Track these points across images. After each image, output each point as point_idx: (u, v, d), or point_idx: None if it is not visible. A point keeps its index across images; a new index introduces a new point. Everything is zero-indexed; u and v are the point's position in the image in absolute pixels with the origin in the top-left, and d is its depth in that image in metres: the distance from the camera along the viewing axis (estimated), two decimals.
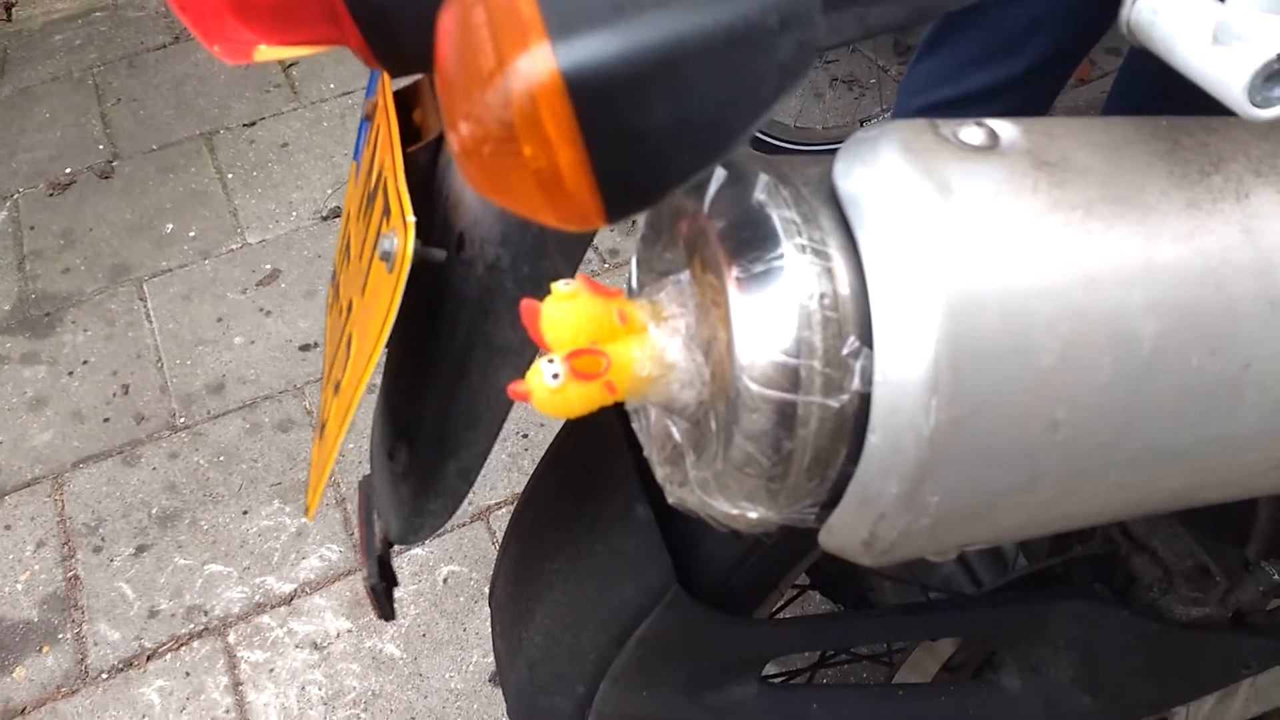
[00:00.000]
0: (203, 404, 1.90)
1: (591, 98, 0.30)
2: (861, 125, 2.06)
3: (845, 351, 0.39)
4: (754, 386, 0.39)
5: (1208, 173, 0.43)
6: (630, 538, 0.76)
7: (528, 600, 0.84)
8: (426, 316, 0.60)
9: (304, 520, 1.75)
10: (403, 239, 0.52)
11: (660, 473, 0.49)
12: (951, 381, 0.38)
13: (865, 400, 0.39)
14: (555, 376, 0.42)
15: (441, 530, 1.69)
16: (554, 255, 0.55)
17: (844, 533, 0.43)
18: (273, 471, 1.81)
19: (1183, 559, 0.84)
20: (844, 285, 0.39)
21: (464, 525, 1.73)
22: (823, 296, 0.39)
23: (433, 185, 0.58)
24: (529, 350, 0.59)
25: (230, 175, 2.33)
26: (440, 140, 0.60)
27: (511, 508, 1.72)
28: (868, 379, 0.39)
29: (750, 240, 0.40)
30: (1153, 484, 0.44)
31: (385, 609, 0.78)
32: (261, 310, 2.06)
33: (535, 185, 0.32)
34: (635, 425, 0.51)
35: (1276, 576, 0.84)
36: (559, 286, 0.44)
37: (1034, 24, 1.23)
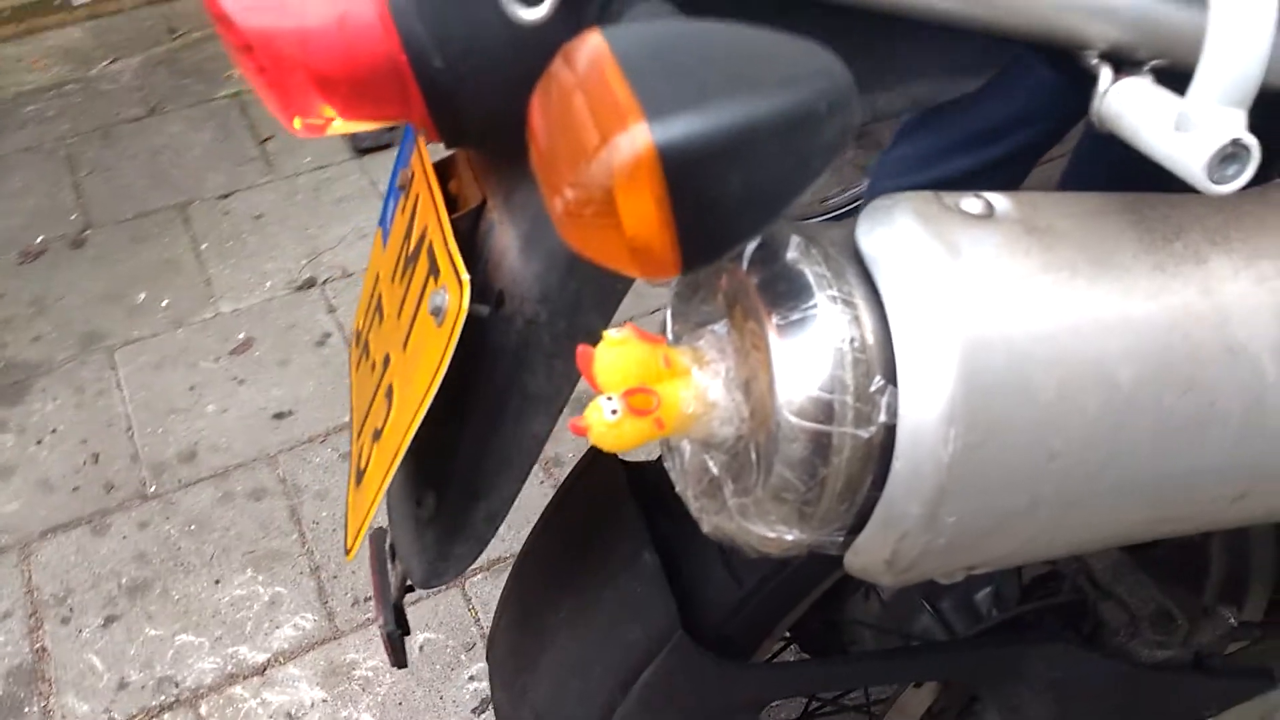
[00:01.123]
0: (174, 472, 1.90)
1: (681, 169, 0.36)
2: (822, 204, 2.16)
3: (873, 389, 0.45)
4: (794, 419, 0.45)
5: (1170, 239, 0.50)
6: (637, 583, 0.80)
7: (532, 649, 0.88)
8: (463, 369, 0.65)
9: (278, 589, 1.75)
10: (456, 295, 0.57)
11: (695, 505, 0.53)
12: (966, 415, 0.44)
13: (890, 432, 0.45)
14: (614, 412, 0.47)
15: (416, 598, 1.70)
16: (589, 311, 0.60)
17: (869, 553, 0.48)
18: (245, 540, 1.81)
19: (1146, 604, 0.90)
20: (870, 332, 0.45)
21: (439, 592, 1.74)
22: (852, 340, 0.45)
23: (474, 249, 0.63)
24: (560, 398, 0.64)
25: (204, 245, 2.36)
26: (481, 208, 0.65)
27: (487, 574, 1.74)
28: (893, 413, 0.45)
29: (787, 292, 0.46)
30: (1135, 512, 0.51)
31: (399, 656, 0.81)
32: (234, 379, 2.08)
33: (626, 242, 0.37)
34: (668, 464, 0.56)
35: (1232, 620, 0.91)
36: (610, 334, 0.49)
37: (1020, 117, 1.34)
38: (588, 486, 0.86)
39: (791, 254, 0.47)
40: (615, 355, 0.49)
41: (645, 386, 0.48)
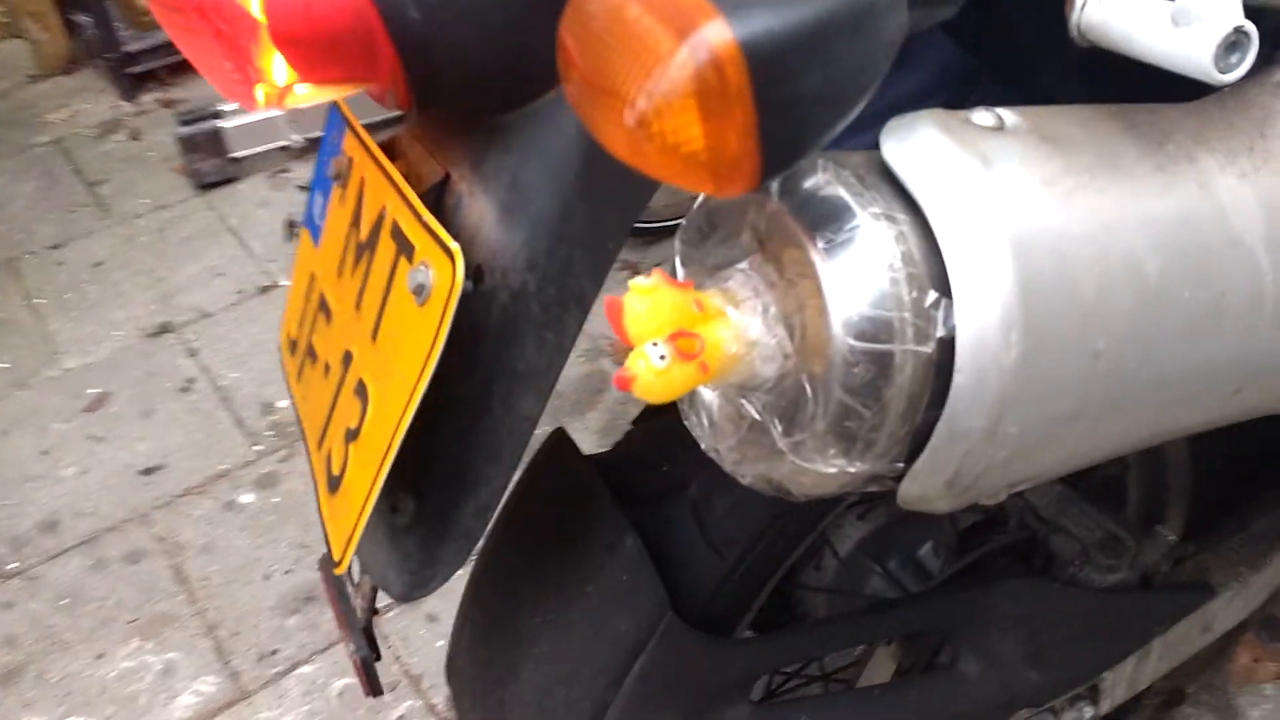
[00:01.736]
0: (36, 545, 1.73)
1: (764, 64, 0.34)
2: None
3: (928, 304, 0.44)
4: (854, 343, 0.43)
5: (1162, 142, 0.52)
6: (622, 571, 0.77)
7: (508, 660, 0.83)
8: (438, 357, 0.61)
9: (170, 655, 1.61)
10: (447, 267, 0.53)
11: (731, 458, 0.51)
12: (1023, 319, 0.44)
13: (948, 346, 0.44)
14: (662, 358, 0.44)
15: (327, 644, 1.60)
16: (581, 275, 0.57)
17: (929, 476, 0.47)
18: (126, 608, 1.66)
19: (1093, 531, 0.93)
20: (915, 247, 0.45)
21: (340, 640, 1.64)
22: (902, 256, 0.44)
23: (442, 225, 0.59)
24: (552, 373, 0.60)
25: (40, 300, 2.17)
26: (443, 184, 0.61)
27: (397, 611, 1.65)
28: (950, 326, 0.44)
29: (827, 216, 0.45)
30: (1161, 410, 0.52)
31: (374, 683, 0.75)
32: (91, 437, 1.91)
33: (703, 153, 0.35)
34: (689, 422, 0.54)
35: (1172, 538, 0.96)
36: (639, 281, 0.47)
37: (923, 92, 1.37)
38: (550, 481, 0.83)
39: (824, 177, 0.46)
40: (646, 303, 0.46)
41: (687, 330, 0.45)
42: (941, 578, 0.96)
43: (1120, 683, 1.02)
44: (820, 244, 0.44)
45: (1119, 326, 0.47)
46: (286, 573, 1.69)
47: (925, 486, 0.48)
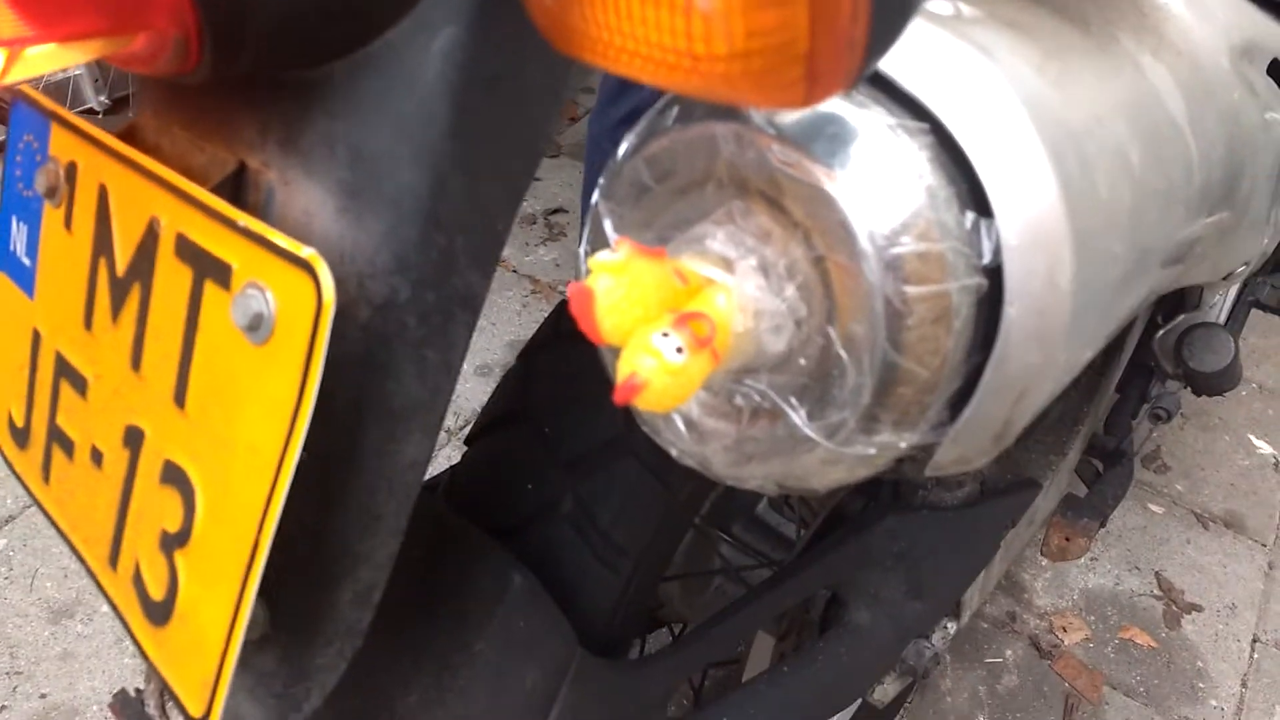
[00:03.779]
0: None
1: None
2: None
3: (969, 227, 0.36)
4: (906, 288, 0.34)
5: (1088, 24, 0.48)
6: (517, 615, 0.64)
7: None
8: None
9: None
10: (303, 282, 0.38)
11: (724, 461, 0.41)
12: (1071, 229, 0.37)
13: (995, 275, 0.37)
14: (679, 350, 0.33)
15: None
16: (466, 269, 0.44)
17: (975, 432, 0.40)
18: None
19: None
20: (939, 160, 0.36)
21: None
22: (934, 172, 0.36)
23: None
24: (440, 401, 0.47)
25: None
26: (238, 176, 0.45)
27: None
28: (996, 251, 0.36)
29: (832, 137, 0.35)
30: (1135, 301, 0.48)
31: None
32: None
33: (807, 42, 0.24)
34: (650, 430, 0.43)
35: None
36: (603, 257, 0.35)
37: None
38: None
39: None
40: (621, 284, 0.34)
41: (693, 310, 0.34)
42: (809, 535, 0.91)
43: (975, 592, 1.03)
44: (836, 171, 0.35)
45: (1124, 223, 0.42)
46: (2, 709, 1.35)
47: (968, 445, 0.40)
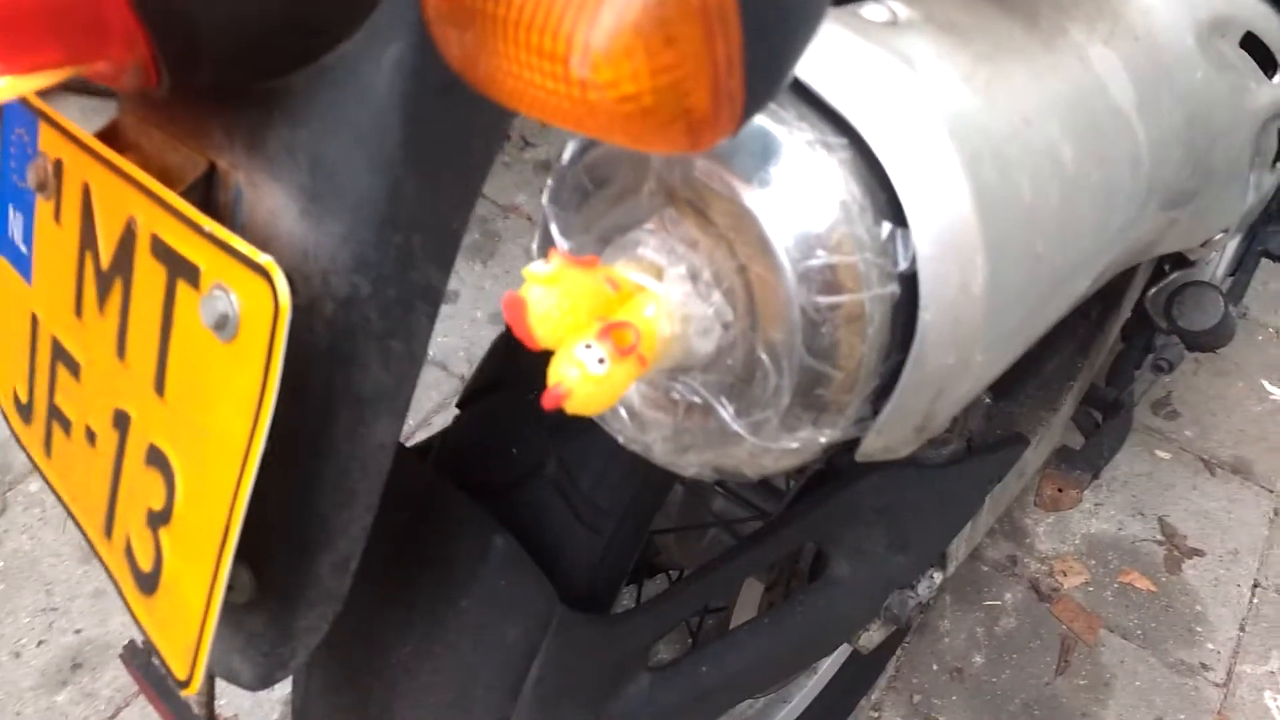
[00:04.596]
0: None
1: None
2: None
3: (884, 238, 0.38)
4: (818, 298, 0.36)
5: (1035, 17, 0.48)
6: (498, 575, 0.67)
7: (380, 704, 0.72)
8: None
9: None
10: (261, 287, 0.40)
11: (664, 450, 0.44)
12: (985, 236, 0.39)
13: (910, 282, 0.38)
14: (601, 361, 0.35)
15: (114, 711, 1.39)
16: (424, 263, 0.46)
17: (897, 425, 0.42)
18: None
19: None
20: (859, 174, 0.38)
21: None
22: (850, 187, 0.37)
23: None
24: (405, 388, 0.50)
25: None
26: (209, 177, 0.47)
27: None
28: (910, 258, 0.38)
29: (754, 152, 0.37)
30: (1073, 293, 0.49)
31: None
32: None
33: (681, 99, 0.26)
34: (609, 428, 0.46)
35: (988, 400, 0.99)
36: (535, 269, 0.37)
37: None
38: (389, 493, 0.71)
39: None
40: (554, 295, 0.37)
41: (618, 320, 0.37)
42: (792, 493, 0.94)
43: (961, 544, 1.06)
44: (756, 187, 0.37)
45: (1051, 223, 0.43)
46: (39, 644, 1.44)
47: (892, 437, 0.43)
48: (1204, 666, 1.47)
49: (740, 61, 0.26)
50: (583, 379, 0.35)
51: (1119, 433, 1.26)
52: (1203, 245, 0.74)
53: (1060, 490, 1.16)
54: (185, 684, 0.46)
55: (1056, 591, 1.55)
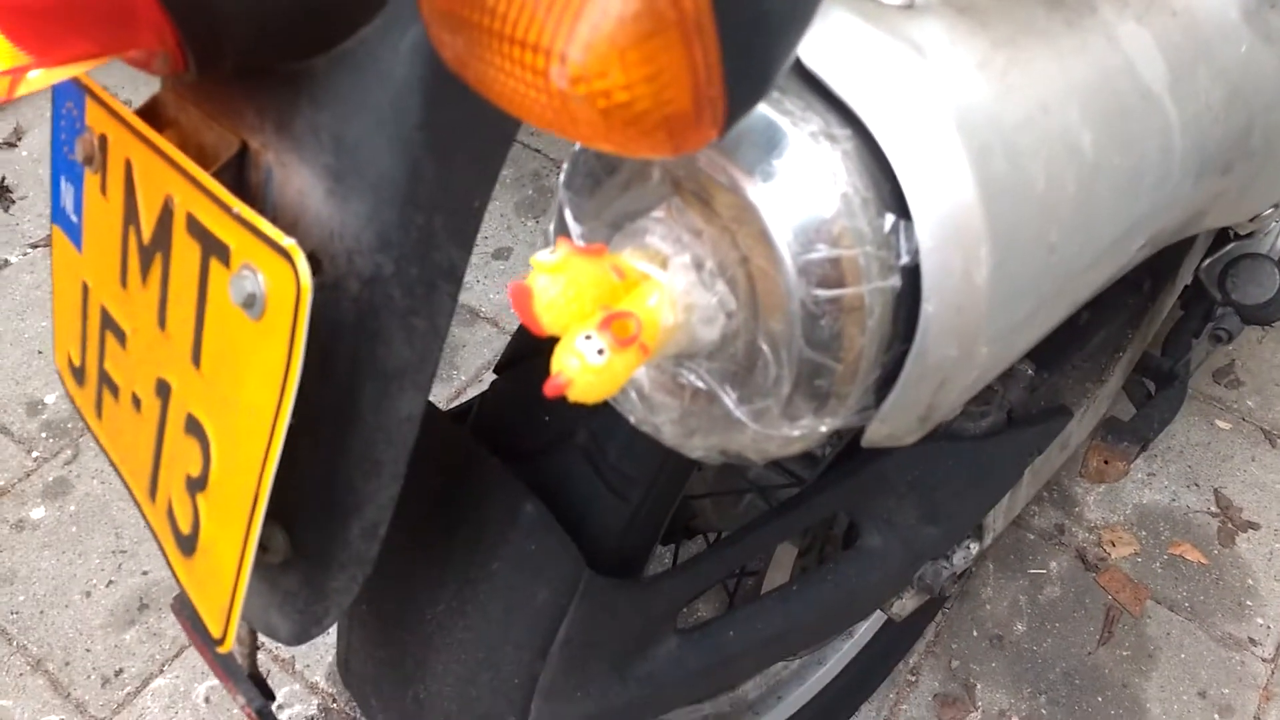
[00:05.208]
0: None
1: None
2: None
3: (887, 230, 0.38)
4: (818, 291, 0.37)
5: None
6: (528, 539, 0.70)
7: (416, 659, 0.75)
8: None
9: (1, 703, 1.43)
10: (285, 269, 0.42)
11: (672, 433, 0.45)
12: (990, 228, 0.38)
13: (912, 274, 0.39)
14: (600, 352, 0.36)
15: (179, 650, 1.46)
16: (446, 244, 0.48)
17: (900, 415, 0.42)
18: None
19: None
20: (863, 165, 0.38)
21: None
22: (852, 180, 0.37)
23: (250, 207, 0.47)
24: (429, 363, 0.51)
25: None
26: (241, 156, 0.49)
27: None
28: (913, 251, 0.38)
29: (757, 145, 0.37)
30: (1093, 281, 0.49)
31: None
32: None
33: (660, 105, 0.26)
34: (620, 409, 0.47)
35: (1030, 371, 0.98)
36: (541, 257, 0.38)
37: None
38: (423, 458, 0.73)
39: None
40: (559, 283, 0.38)
41: (620, 310, 0.37)
42: (827, 461, 0.95)
43: (1000, 515, 1.06)
44: (758, 180, 0.37)
45: (1067, 212, 0.43)
46: (109, 585, 1.51)
47: (895, 425, 0.43)
48: (1252, 641, 1.45)
49: (719, 69, 0.26)
50: (582, 369, 0.36)
51: (1171, 404, 1.24)
52: (1252, 220, 0.72)
53: (1106, 462, 1.15)
54: (220, 641, 0.49)
55: (1104, 561, 1.54)
